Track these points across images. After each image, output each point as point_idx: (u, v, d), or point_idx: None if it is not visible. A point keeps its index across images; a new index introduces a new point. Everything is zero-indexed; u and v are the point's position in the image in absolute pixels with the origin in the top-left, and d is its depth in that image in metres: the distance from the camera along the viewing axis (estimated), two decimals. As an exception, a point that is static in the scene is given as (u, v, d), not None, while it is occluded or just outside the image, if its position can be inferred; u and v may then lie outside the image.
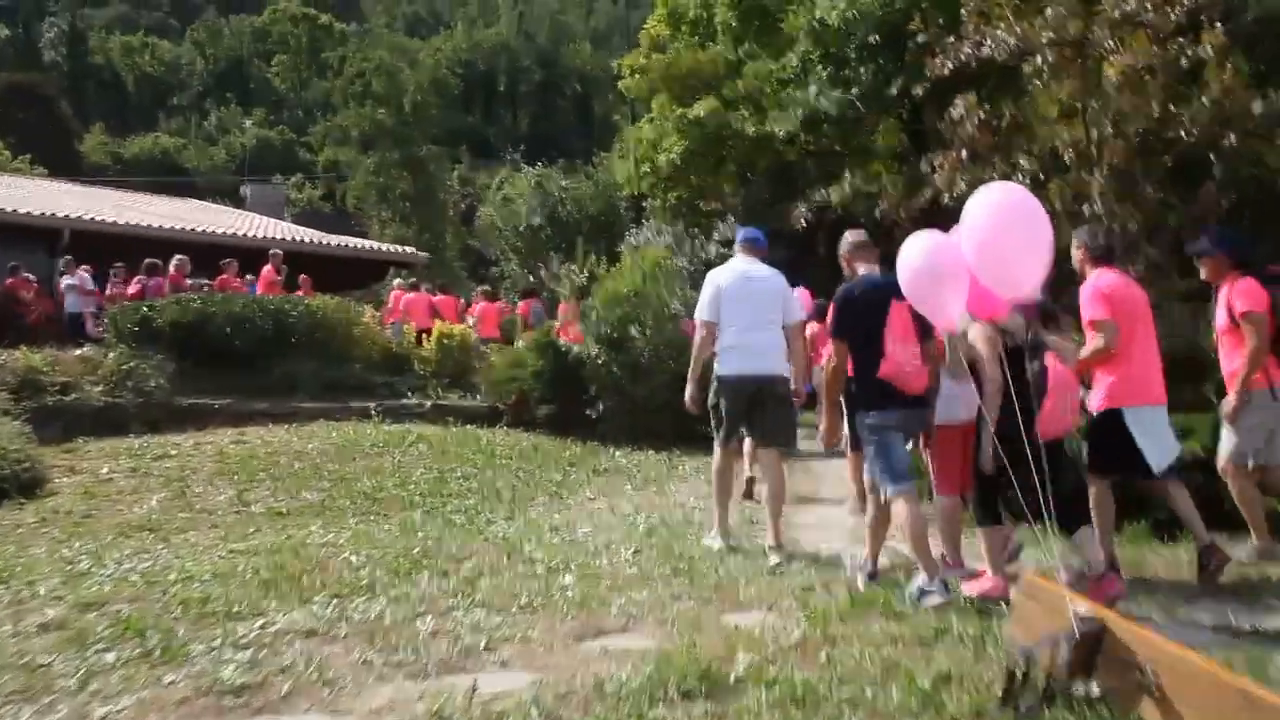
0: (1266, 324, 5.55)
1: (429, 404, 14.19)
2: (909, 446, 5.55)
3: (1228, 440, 5.69)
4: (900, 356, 5.11)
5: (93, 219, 18.39)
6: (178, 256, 16.37)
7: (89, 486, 9.78)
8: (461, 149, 45.38)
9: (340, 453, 11.34)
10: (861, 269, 5.55)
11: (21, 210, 17.81)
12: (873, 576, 5.44)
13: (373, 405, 13.82)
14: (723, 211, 22.51)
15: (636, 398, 12.28)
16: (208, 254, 17.47)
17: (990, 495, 5.08)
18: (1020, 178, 7.53)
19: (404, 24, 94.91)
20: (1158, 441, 5.38)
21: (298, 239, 20.47)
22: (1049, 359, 4.96)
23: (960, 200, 7.40)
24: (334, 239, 22.57)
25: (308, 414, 13.54)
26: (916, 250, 4.80)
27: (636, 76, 22.63)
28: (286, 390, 14.32)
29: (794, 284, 7.49)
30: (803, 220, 8.08)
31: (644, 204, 24.45)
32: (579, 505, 8.94)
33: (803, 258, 19.84)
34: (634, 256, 13.05)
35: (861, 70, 18.91)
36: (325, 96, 42.44)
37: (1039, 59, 7.40)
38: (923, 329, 5.20)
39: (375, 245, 22.85)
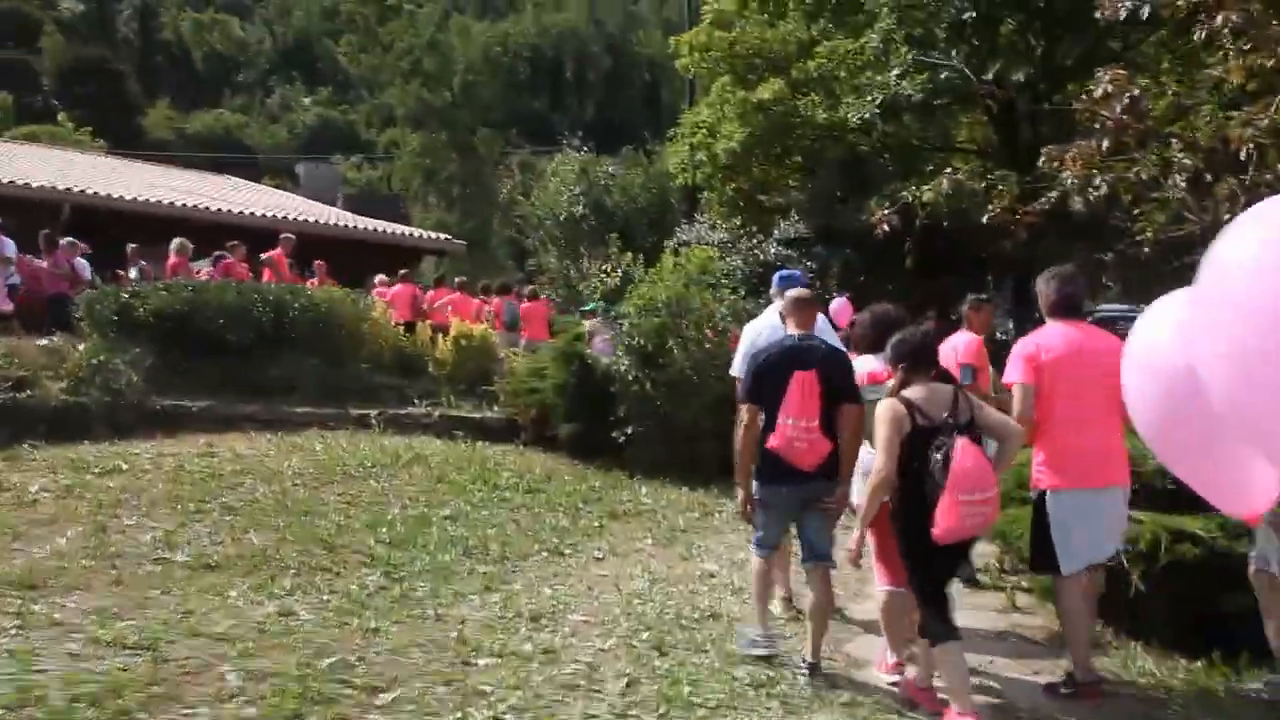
0: None
1: (437, 414, 12.42)
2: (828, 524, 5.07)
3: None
4: (790, 431, 4.80)
5: (95, 193, 16.89)
6: (177, 240, 14.77)
7: (3, 511, 8.13)
8: (512, 132, 43.40)
9: (318, 475, 9.62)
10: (791, 328, 5.31)
11: (19, 181, 16.34)
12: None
13: (374, 414, 12.11)
14: (785, 207, 20.48)
15: (672, 422, 10.41)
16: (216, 235, 15.85)
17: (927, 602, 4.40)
18: (1177, 179, 5.56)
19: (473, 6, 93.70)
20: (1077, 534, 4.66)
21: (320, 221, 18.82)
22: (960, 447, 4.11)
23: (1095, 205, 5.47)
24: (364, 223, 20.94)
25: (299, 421, 11.87)
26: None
27: (696, 55, 20.51)
28: (283, 392, 12.67)
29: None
30: (885, 225, 6.27)
31: (699, 197, 22.49)
32: (580, 569, 7.13)
33: (879, 266, 17.89)
34: (678, 256, 11.12)
35: (952, 53, 16.82)
36: (373, 73, 40.75)
37: (1220, 18, 5.40)
38: (831, 398, 4.85)
39: (409, 231, 21.19)
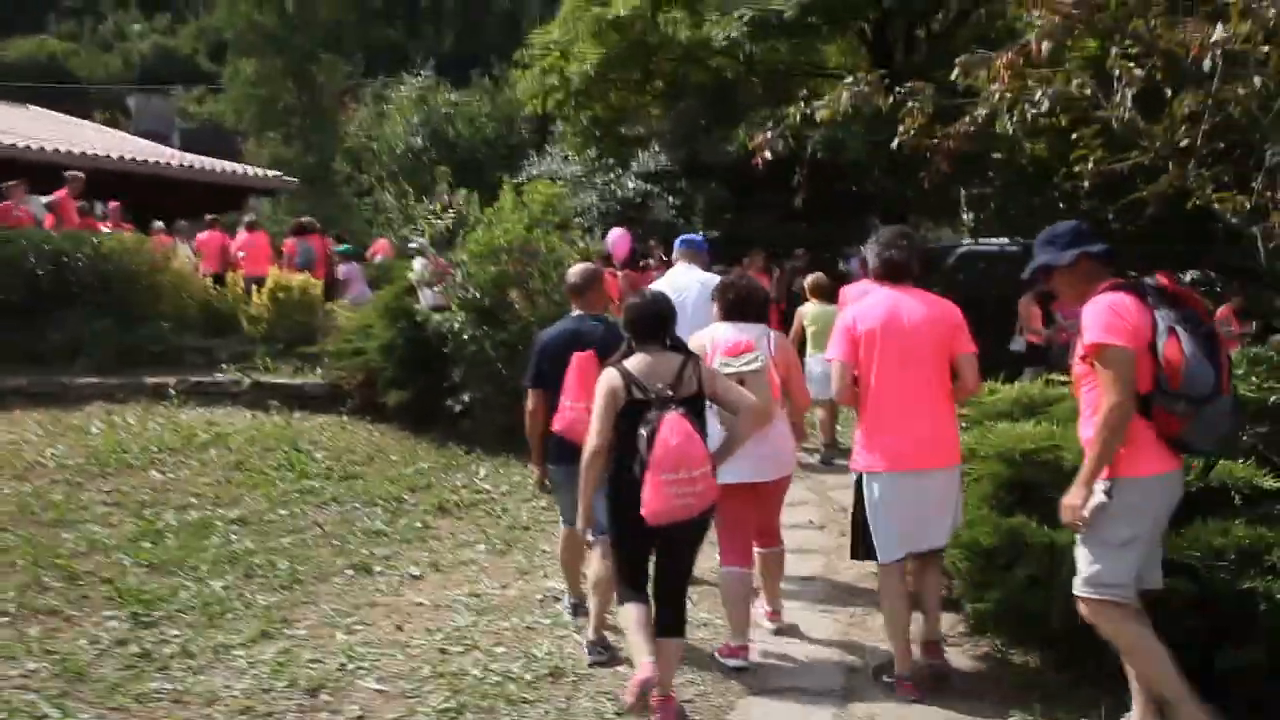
0: None
1: (248, 382, 10.68)
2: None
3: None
4: (569, 414, 4.73)
5: None
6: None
7: None
8: (361, 61, 40.36)
9: (87, 466, 7.97)
10: (575, 308, 5.32)
11: None
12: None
13: (172, 383, 10.36)
14: (646, 137, 18.91)
15: (514, 387, 8.94)
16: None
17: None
18: (1127, 93, 4.36)
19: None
20: (895, 520, 4.32)
21: (119, 157, 16.51)
22: (665, 421, 3.88)
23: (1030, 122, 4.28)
24: (174, 158, 18.65)
25: (81, 394, 10.12)
26: None
27: None
28: (64, 359, 10.80)
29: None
30: (766, 151, 4.98)
31: (551, 128, 20.75)
32: (390, 594, 5.72)
33: (748, 202, 16.53)
34: (520, 193, 9.56)
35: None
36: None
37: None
38: None
39: (233, 169, 19.00)
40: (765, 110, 15.73)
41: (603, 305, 5.37)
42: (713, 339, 4.77)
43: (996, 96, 4.45)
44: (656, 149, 18.07)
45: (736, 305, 4.91)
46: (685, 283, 6.20)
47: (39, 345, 10.87)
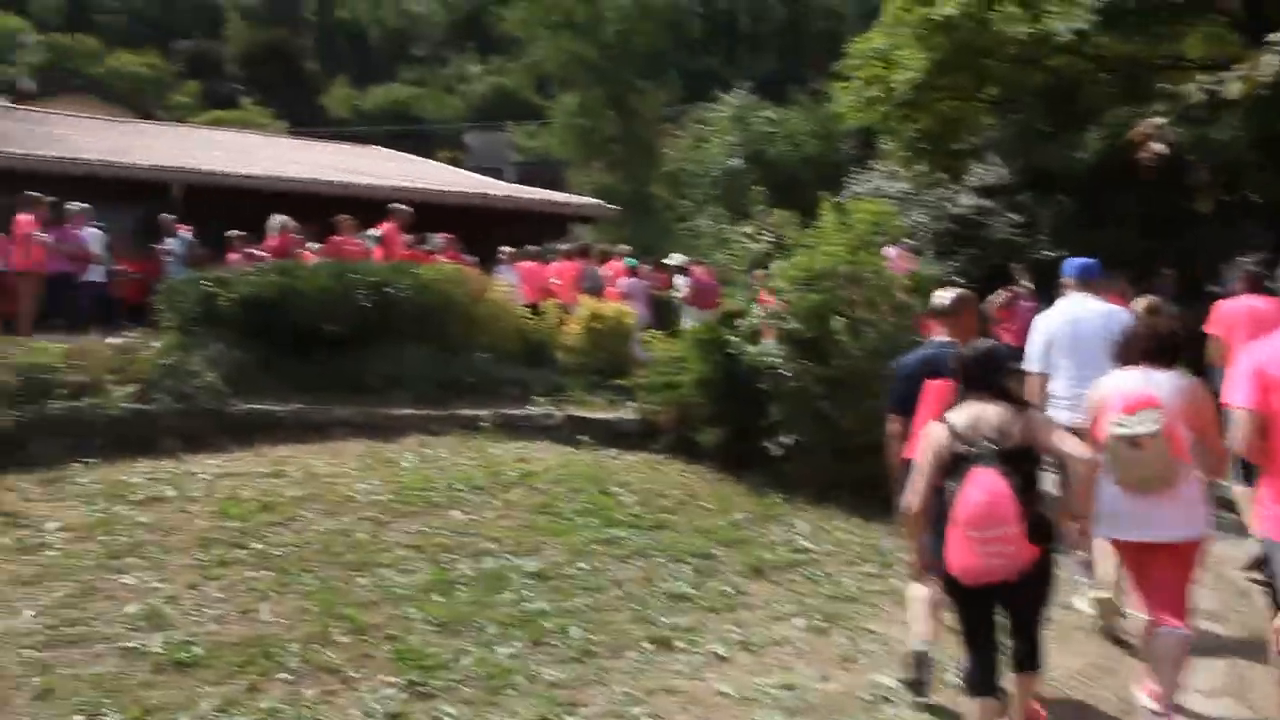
0: None
1: (561, 415, 10.33)
2: None
3: None
4: None
5: (212, 171, 15.55)
6: (278, 218, 13.19)
7: (-3, 563, 6.52)
8: (681, 90, 40.72)
9: (394, 504, 7.76)
10: (937, 334, 5.23)
11: (125, 161, 15.12)
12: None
13: (484, 415, 10.15)
14: (980, 148, 17.31)
15: (840, 428, 8.02)
16: (342, 209, 14.15)
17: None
18: None
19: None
20: None
21: (450, 190, 17.02)
22: (973, 475, 3.78)
23: None
24: (501, 190, 19.08)
25: (400, 425, 10.05)
26: None
27: None
28: (386, 390, 10.85)
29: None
30: (1152, 151, 3.93)
31: (876, 142, 19.51)
32: (691, 676, 4.96)
33: (1100, 215, 14.57)
34: (842, 211, 8.62)
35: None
36: (523, 29, 38.79)
37: None
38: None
39: (553, 198, 19.22)
40: (1119, 110, 13.90)
41: (973, 333, 5.07)
42: (1116, 390, 4.37)
43: None
44: (992, 160, 16.50)
45: (1143, 348, 4.52)
46: (1080, 315, 6.06)
47: (364, 375, 11.01)
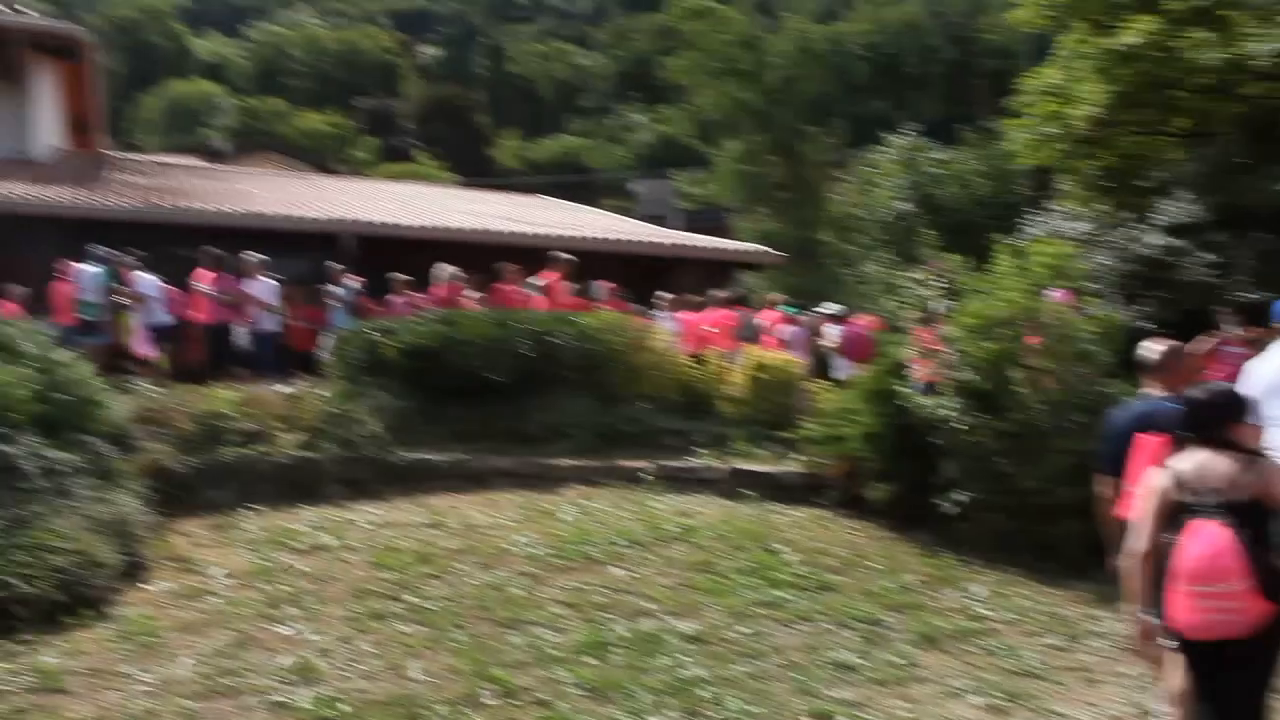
0: None
1: (725, 468, 10.08)
2: None
3: None
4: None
5: (381, 222, 16.00)
6: (447, 268, 13.43)
7: (157, 607, 6.65)
8: (848, 135, 40.18)
9: (552, 558, 7.68)
10: (1149, 389, 4.92)
11: (299, 214, 15.70)
12: None
13: (646, 467, 9.99)
14: (1167, 184, 16.25)
15: (1019, 487, 7.50)
16: (507, 258, 14.37)
17: None
18: None
19: (805, 7, 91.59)
20: None
21: (611, 239, 17.06)
22: (1193, 527, 3.59)
23: None
24: (667, 238, 19.04)
25: (559, 476, 10.01)
26: None
27: (1037, 4, 16.41)
28: (548, 440, 10.82)
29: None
30: None
31: (1053, 182, 18.59)
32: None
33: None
34: (1019, 254, 8.13)
35: None
36: (687, 77, 38.98)
37: None
38: None
39: (717, 244, 19.08)
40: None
41: (1184, 385, 4.75)
42: None
43: None
44: (1182, 197, 15.47)
45: None
46: None
47: (524, 425, 11.00)
